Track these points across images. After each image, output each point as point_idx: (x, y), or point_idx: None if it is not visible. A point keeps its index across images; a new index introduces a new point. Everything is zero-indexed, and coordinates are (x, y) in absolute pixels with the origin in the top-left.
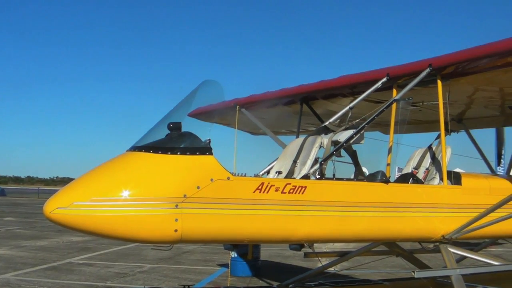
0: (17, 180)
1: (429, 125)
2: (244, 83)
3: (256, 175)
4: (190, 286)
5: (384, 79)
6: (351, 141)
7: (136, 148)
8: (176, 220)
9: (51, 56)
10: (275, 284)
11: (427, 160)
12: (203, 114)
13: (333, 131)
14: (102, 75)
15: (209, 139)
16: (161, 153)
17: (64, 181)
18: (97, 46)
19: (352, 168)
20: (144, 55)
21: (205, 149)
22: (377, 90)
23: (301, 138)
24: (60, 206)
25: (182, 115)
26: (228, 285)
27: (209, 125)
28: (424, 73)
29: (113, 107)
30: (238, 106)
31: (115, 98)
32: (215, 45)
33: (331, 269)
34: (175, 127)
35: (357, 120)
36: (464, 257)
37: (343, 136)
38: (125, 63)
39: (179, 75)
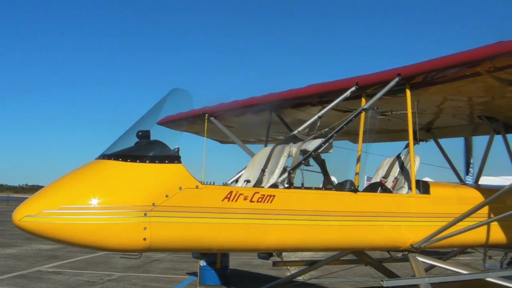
0: None
1: (398, 134)
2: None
3: (225, 184)
4: None
5: (353, 88)
6: (320, 150)
7: (105, 156)
8: (145, 228)
9: (20, 62)
10: None
11: (396, 169)
12: (172, 123)
13: (301, 140)
14: (74, 81)
15: (178, 148)
16: (130, 161)
17: (34, 189)
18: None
19: (320, 177)
20: (119, 62)
21: (174, 158)
22: (346, 99)
23: (269, 147)
24: (29, 214)
25: (151, 123)
26: None
27: (178, 133)
28: (393, 83)
29: (85, 113)
30: (206, 115)
31: (87, 104)
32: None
33: (300, 278)
34: (144, 135)
35: (326, 129)
36: (433, 266)
37: (311, 145)
38: (95, 68)
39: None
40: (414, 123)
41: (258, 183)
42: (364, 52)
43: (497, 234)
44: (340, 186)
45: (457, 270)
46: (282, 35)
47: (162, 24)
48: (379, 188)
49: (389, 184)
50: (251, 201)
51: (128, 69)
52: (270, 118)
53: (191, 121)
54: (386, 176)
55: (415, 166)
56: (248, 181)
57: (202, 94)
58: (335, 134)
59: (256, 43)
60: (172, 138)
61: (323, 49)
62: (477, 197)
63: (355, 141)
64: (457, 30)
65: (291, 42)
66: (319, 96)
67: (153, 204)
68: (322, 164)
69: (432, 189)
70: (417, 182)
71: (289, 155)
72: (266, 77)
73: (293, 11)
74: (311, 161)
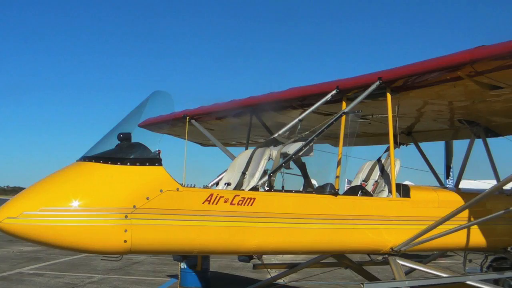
0: None
1: (379, 138)
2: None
3: (205, 186)
4: None
5: (334, 92)
6: (300, 153)
7: (86, 158)
8: (126, 230)
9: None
10: None
11: (376, 172)
12: (153, 125)
13: (282, 143)
14: (63, 83)
15: (159, 150)
16: (111, 164)
17: (15, 191)
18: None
19: (301, 180)
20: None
21: (154, 160)
22: (326, 102)
23: (250, 150)
24: (10, 216)
25: (132, 126)
26: None
27: (159, 136)
28: (373, 86)
29: (68, 116)
30: (188, 117)
31: (70, 107)
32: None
33: (280, 281)
34: (125, 137)
35: (306, 132)
36: (413, 269)
37: (292, 148)
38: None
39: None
40: (394, 127)
41: (239, 186)
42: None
43: (477, 238)
44: (321, 189)
45: (437, 273)
46: (281, 37)
47: (162, 24)
48: (360, 191)
49: (369, 187)
50: (231, 203)
51: (122, 71)
52: (250, 121)
53: (172, 124)
54: (366, 180)
55: (395, 169)
56: (228, 184)
57: (184, 95)
58: (315, 138)
59: (255, 44)
60: (153, 141)
61: (322, 51)
62: (457, 201)
63: (336, 144)
64: (444, 33)
65: (290, 44)
66: (300, 100)
67: (134, 207)
68: (302, 167)
69: (412, 193)
70: (398, 185)
71: (269, 158)
72: (264, 78)
73: (292, 12)
74: (292, 164)
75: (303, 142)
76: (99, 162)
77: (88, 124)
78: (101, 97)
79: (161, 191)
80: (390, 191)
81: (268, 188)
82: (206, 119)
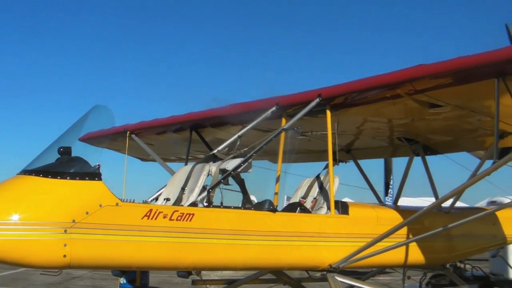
0: None
1: (318, 154)
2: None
3: (145, 202)
4: None
5: (274, 108)
6: (239, 170)
7: (26, 172)
8: (65, 245)
9: None
10: None
11: (315, 189)
12: (93, 139)
13: (221, 159)
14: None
15: (98, 165)
16: (50, 178)
17: None
18: None
19: (240, 196)
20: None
21: (94, 175)
22: (266, 119)
23: (189, 166)
24: None
25: (73, 140)
26: None
27: (99, 150)
28: (313, 103)
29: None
30: (128, 132)
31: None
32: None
33: None
34: (65, 151)
35: (245, 149)
36: (352, 286)
37: (231, 164)
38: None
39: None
40: (334, 144)
41: (178, 202)
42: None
43: (416, 255)
44: (259, 206)
45: None
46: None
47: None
48: (298, 208)
49: (308, 204)
50: (170, 219)
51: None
52: (190, 136)
53: (113, 138)
54: (305, 196)
55: (334, 186)
56: (168, 199)
57: (125, 111)
58: (254, 154)
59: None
60: (93, 155)
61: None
62: (396, 218)
63: (275, 160)
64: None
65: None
66: (240, 116)
67: (73, 221)
68: (241, 183)
69: (351, 210)
70: (336, 202)
71: (208, 174)
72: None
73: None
74: (231, 180)
75: (242, 158)
76: (39, 176)
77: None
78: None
79: (100, 206)
80: (328, 208)
81: (207, 204)
82: (146, 134)
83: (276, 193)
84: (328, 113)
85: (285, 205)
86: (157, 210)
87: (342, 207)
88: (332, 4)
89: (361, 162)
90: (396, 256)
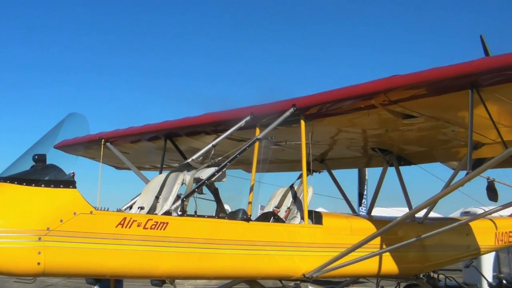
0: None
1: (292, 164)
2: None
3: (119, 210)
4: None
5: (248, 118)
6: (213, 179)
7: (1, 179)
8: (39, 253)
9: None
10: None
11: (289, 199)
12: (68, 147)
13: (195, 168)
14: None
15: (73, 172)
16: (25, 185)
17: None
18: None
19: (214, 205)
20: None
21: (68, 182)
22: (240, 128)
23: (164, 174)
24: None
25: (47, 147)
26: None
27: (73, 158)
28: (287, 113)
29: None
30: (103, 140)
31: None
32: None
33: None
34: (40, 159)
35: (219, 158)
36: None
37: (205, 173)
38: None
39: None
40: (307, 154)
41: (152, 210)
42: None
43: (389, 265)
44: (233, 215)
45: None
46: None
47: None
48: (272, 217)
49: (281, 213)
50: (144, 227)
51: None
52: (165, 145)
53: (87, 146)
54: (279, 206)
55: (308, 196)
56: (142, 208)
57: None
58: (228, 163)
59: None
60: (68, 163)
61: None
62: (370, 228)
63: (249, 170)
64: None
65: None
66: (214, 125)
67: (48, 229)
68: (215, 192)
69: (324, 220)
70: (310, 212)
71: (182, 183)
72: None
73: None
74: (205, 189)
75: (216, 168)
76: (13, 183)
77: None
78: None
79: (74, 213)
80: (302, 218)
81: (181, 213)
82: (121, 142)
83: (250, 203)
84: (302, 123)
85: (259, 214)
86: (131, 218)
87: (316, 217)
88: (309, 14)
89: (335, 172)
90: (369, 266)
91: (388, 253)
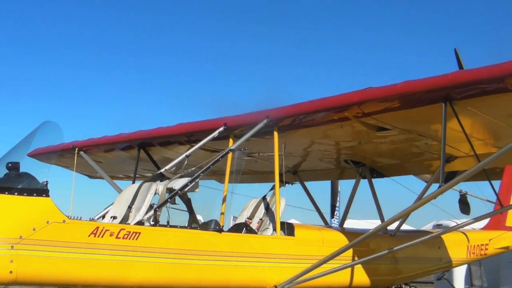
0: None
1: (265, 175)
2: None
3: (92, 219)
4: None
5: (221, 129)
6: (186, 189)
7: None
8: (12, 261)
9: None
10: None
11: (261, 210)
12: (42, 155)
13: (168, 178)
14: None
15: (46, 181)
16: None
17: None
18: None
19: (186, 215)
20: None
21: (42, 191)
22: (214, 139)
23: (137, 184)
24: None
25: (21, 155)
26: None
27: (47, 166)
28: (261, 125)
29: None
30: (76, 149)
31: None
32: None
33: None
34: (13, 166)
35: (193, 168)
36: None
37: (178, 183)
38: None
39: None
40: (280, 165)
41: (125, 220)
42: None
43: (362, 277)
44: (205, 226)
45: None
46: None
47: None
48: (244, 228)
49: (254, 225)
50: (117, 237)
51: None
52: (138, 155)
53: (61, 155)
54: (251, 217)
55: (280, 208)
56: (114, 217)
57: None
58: (201, 174)
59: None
60: (41, 171)
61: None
62: (342, 240)
63: (222, 181)
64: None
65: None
66: (187, 135)
67: (20, 237)
68: (188, 203)
69: (296, 231)
70: (282, 223)
71: (155, 193)
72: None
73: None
74: (178, 199)
75: (189, 178)
76: None
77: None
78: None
79: (47, 222)
80: (274, 229)
81: (153, 223)
82: (94, 151)
83: (222, 213)
84: (276, 134)
85: (231, 225)
86: (103, 228)
87: (288, 229)
88: (284, 25)
89: (308, 183)
90: (341, 278)
91: (360, 265)
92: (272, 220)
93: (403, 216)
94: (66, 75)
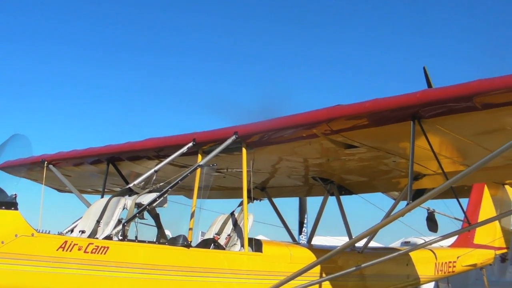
0: None
1: (233, 191)
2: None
3: (60, 233)
4: None
5: (190, 144)
6: (155, 204)
7: None
8: None
9: None
10: None
11: (229, 226)
12: (11, 168)
13: (137, 193)
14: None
15: (15, 194)
16: None
17: None
18: None
19: (155, 230)
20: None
21: (10, 204)
22: (183, 154)
23: (105, 198)
24: None
25: None
26: None
27: (16, 179)
28: (229, 141)
29: None
30: (46, 162)
31: None
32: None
33: None
34: None
35: (161, 183)
36: None
37: (146, 198)
38: None
39: None
40: (248, 182)
41: (93, 234)
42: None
43: None
44: (173, 241)
45: None
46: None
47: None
48: (212, 244)
49: (222, 240)
50: (85, 251)
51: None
52: (107, 169)
53: (30, 168)
54: (219, 233)
55: (248, 224)
56: (83, 232)
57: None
58: (170, 189)
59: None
60: (10, 184)
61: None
62: (310, 257)
63: (190, 196)
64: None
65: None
66: (156, 150)
67: None
68: (156, 218)
69: (264, 247)
70: (250, 240)
71: (124, 208)
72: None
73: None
74: (146, 214)
75: (158, 193)
76: None
77: None
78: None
79: (16, 236)
80: (242, 245)
81: (121, 238)
82: (63, 165)
83: (190, 229)
84: (244, 150)
85: (199, 240)
86: (72, 242)
87: (256, 245)
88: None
89: (276, 200)
90: None
91: (328, 282)
92: (240, 236)
93: (371, 233)
94: (37, 86)
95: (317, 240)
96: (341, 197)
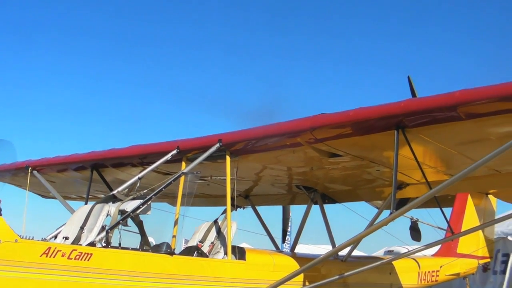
0: None
1: (217, 199)
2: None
3: (44, 239)
4: None
5: (174, 152)
6: (138, 211)
7: None
8: None
9: None
10: None
11: (213, 234)
12: None
13: (121, 200)
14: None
15: None
16: None
17: None
18: None
19: (138, 237)
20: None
21: None
22: (167, 162)
23: (89, 205)
24: None
25: None
26: None
27: (0, 184)
28: (213, 148)
29: None
30: (30, 168)
31: None
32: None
33: None
34: None
35: (145, 191)
36: None
37: (130, 205)
38: None
39: None
40: (232, 189)
41: (77, 241)
42: None
43: None
44: (157, 248)
45: None
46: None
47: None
48: (195, 252)
49: (205, 248)
50: (68, 258)
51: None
52: (91, 176)
53: (14, 173)
54: (203, 240)
55: (231, 231)
56: (66, 238)
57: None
58: (154, 196)
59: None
60: None
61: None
62: (293, 265)
63: (174, 203)
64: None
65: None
66: (140, 157)
67: None
68: (140, 225)
69: (248, 255)
70: (233, 247)
71: (108, 214)
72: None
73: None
74: (130, 221)
75: (142, 200)
76: None
77: None
78: None
79: None
80: (225, 253)
81: (105, 244)
82: (47, 171)
83: (174, 236)
84: (228, 158)
85: (182, 248)
86: (55, 248)
87: (239, 253)
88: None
89: (259, 208)
90: None
91: None
92: (224, 243)
93: (355, 242)
94: (20, 91)
95: (300, 249)
96: (325, 205)
